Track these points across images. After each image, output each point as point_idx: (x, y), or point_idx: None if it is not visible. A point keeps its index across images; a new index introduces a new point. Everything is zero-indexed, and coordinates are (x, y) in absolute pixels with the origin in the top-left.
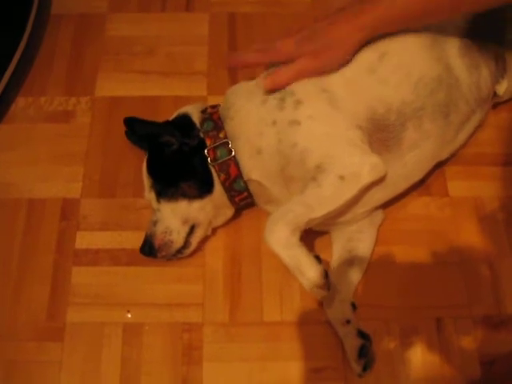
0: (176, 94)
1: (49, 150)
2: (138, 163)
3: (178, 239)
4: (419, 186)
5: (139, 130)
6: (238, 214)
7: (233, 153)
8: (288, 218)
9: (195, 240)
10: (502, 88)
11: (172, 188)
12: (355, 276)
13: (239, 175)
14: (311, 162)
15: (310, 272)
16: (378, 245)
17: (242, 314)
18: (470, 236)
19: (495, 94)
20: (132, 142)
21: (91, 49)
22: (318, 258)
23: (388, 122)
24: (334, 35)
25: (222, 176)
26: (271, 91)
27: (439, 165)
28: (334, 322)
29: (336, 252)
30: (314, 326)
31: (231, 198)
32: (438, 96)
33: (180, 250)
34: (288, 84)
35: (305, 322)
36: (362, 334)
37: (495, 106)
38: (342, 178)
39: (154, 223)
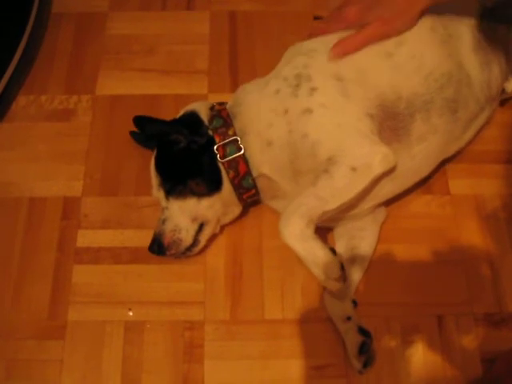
0: (177, 92)
1: (50, 149)
2: (139, 161)
3: (186, 237)
4: (421, 184)
5: (149, 129)
6: (243, 212)
7: (242, 150)
8: (302, 211)
9: (204, 238)
10: (510, 85)
11: (181, 186)
12: (357, 273)
13: (248, 172)
14: (323, 154)
15: (325, 264)
16: (380, 243)
17: (243, 311)
18: (471, 234)
19: (503, 91)
20: (136, 140)
21: (92, 47)
22: (333, 251)
23: (397, 109)
24: (401, 2)
25: (231, 173)
26: (339, 58)
27: (444, 162)
28: (335, 318)
29: (339, 249)
30: (315, 323)
31: (239, 196)
32: (447, 91)
33: (189, 248)
34: (357, 50)
35: (306, 320)
36: (362, 331)
37: (502, 103)
38: (353, 169)
39: (163, 221)
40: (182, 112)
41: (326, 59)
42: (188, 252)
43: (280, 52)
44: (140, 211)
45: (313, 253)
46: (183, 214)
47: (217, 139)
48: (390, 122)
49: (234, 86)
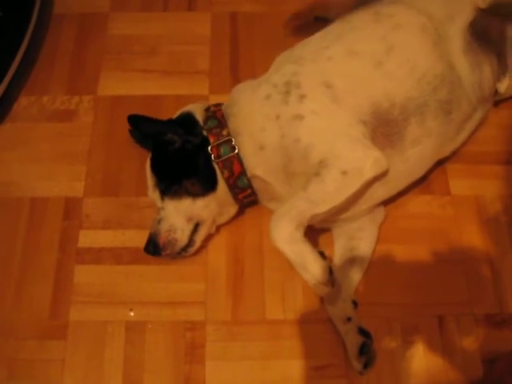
0: (178, 92)
1: (51, 149)
2: (140, 162)
3: (182, 237)
4: (421, 184)
5: (143, 128)
6: (240, 212)
7: (236, 150)
8: (292, 214)
9: (199, 238)
10: (503, 86)
11: (176, 186)
12: (356, 274)
13: (243, 172)
14: (314, 157)
15: (314, 268)
16: (380, 243)
17: (244, 312)
18: (472, 234)
19: (496, 92)
20: (136, 139)
21: (93, 48)
22: (322, 254)
23: (391, 116)
24: None
25: (226, 173)
26: None
27: (440, 162)
28: (336, 319)
29: (338, 250)
30: (315, 324)
31: (235, 196)
32: (440, 93)
33: (184, 249)
34: None
35: (306, 320)
36: (362, 332)
37: (496, 103)
38: (344, 172)
39: (158, 221)
40: (178, 113)
41: (314, 67)
42: (183, 252)
43: (280, 53)
44: (141, 212)
45: (301, 256)
46: (178, 214)
47: (211, 139)
48: (384, 129)
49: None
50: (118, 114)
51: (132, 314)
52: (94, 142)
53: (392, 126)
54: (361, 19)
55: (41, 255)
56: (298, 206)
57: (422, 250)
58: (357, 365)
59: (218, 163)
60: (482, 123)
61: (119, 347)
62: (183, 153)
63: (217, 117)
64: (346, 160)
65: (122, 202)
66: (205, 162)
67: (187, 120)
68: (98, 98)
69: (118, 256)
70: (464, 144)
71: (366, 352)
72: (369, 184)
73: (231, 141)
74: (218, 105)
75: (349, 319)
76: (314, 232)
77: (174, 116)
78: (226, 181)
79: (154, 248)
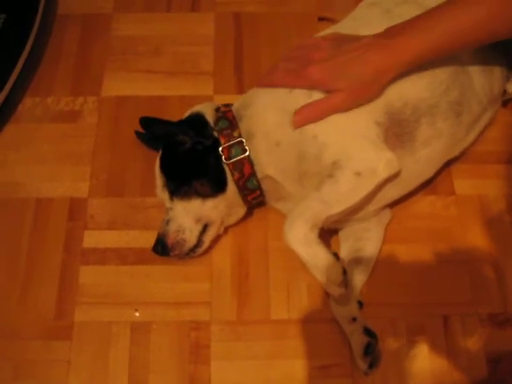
0: (182, 93)
1: (56, 150)
2: (145, 162)
3: (190, 238)
4: (425, 184)
5: (155, 130)
6: (248, 213)
7: (247, 151)
8: (306, 216)
9: (208, 239)
10: (511, 86)
11: (185, 186)
12: (362, 274)
13: (253, 174)
14: (328, 157)
15: (328, 269)
16: (384, 243)
17: (249, 312)
18: (476, 234)
19: (505, 92)
20: (142, 140)
21: (97, 49)
22: (335, 256)
23: (403, 116)
24: (371, 70)
25: (236, 174)
26: (301, 126)
27: (448, 163)
28: (341, 319)
29: (344, 251)
30: (320, 323)
31: (244, 197)
32: (452, 94)
33: (193, 249)
34: (321, 119)
35: (311, 320)
36: (368, 332)
37: (504, 103)
38: (358, 174)
39: (167, 222)
40: (187, 113)
41: None
42: (192, 253)
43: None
44: (146, 212)
45: (315, 257)
46: (187, 215)
47: (222, 141)
48: (396, 129)
49: (240, 87)
50: (123, 115)
51: (137, 314)
52: (98, 142)
53: (403, 125)
54: (372, 17)
55: (46, 256)
56: (313, 208)
57: (427, 250)
58: (362, 365)
59: (228, 164)
60: (490, 123)
61: (124, 348)
62: (194, 154)
63: (228, 117)
64: (360, 161)
65: (126, 203)
66: (215, 163)
67: (197, 121)
68: (103, 98)
69: (123, 256)
70: (472, 144)
71: (372, 352)
72: (381, 185)
73: (242, 142)
74: (228, 105)
75: (354, 319)
76: (322, 232)
77: (184, 116)
78: (236, 182)
79: (162, 248)
